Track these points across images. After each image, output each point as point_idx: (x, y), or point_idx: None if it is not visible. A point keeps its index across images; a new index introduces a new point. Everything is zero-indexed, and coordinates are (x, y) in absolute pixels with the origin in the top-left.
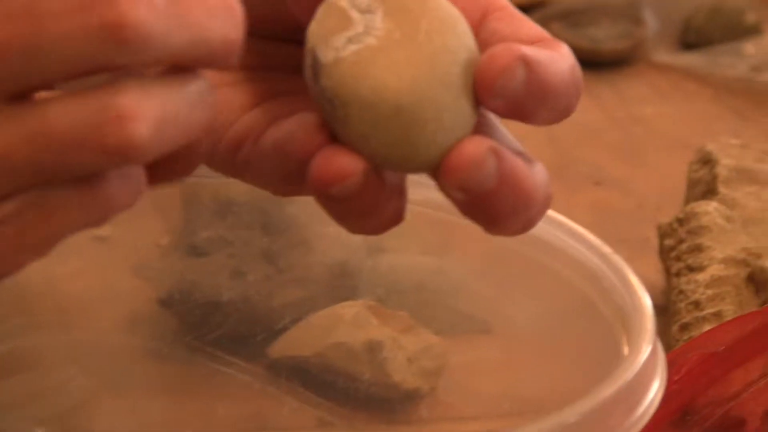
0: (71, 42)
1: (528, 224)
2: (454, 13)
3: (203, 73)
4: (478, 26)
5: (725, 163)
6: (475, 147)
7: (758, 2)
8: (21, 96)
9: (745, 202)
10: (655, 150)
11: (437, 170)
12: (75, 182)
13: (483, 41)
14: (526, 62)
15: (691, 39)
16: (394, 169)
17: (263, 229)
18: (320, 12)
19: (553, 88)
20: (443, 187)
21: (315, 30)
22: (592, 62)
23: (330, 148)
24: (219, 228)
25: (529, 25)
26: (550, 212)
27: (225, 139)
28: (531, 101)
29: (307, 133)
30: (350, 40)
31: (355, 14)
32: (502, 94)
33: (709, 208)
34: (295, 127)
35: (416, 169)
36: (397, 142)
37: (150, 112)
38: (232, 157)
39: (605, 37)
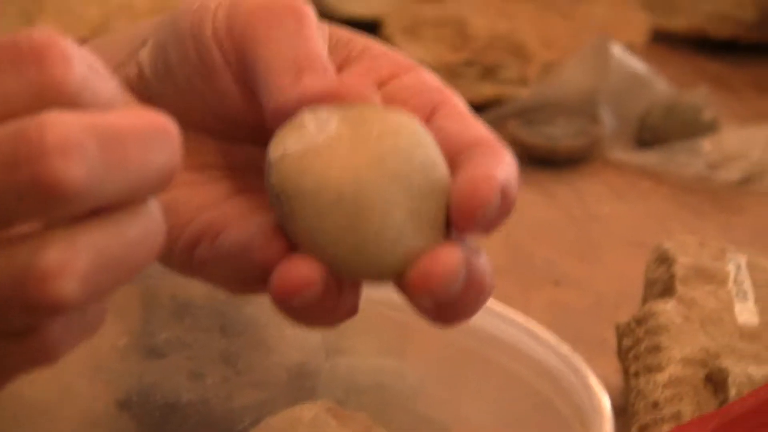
0: (1, 197)
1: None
2: (416, 127)
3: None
4: (427, 122)
5: (683, 261)
6: (450, 259)
7: (714, 100)
8: None
9: (703, 302)
10: (613, 248)
11: (402, 278)
12: (12, 335)
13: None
14: (503, 191)
15: (648, 137)
16: (352, 274)
17: (221, 330)
18: (285, 123)
19: (513, 202)
20: (409, 295)
21: (275, 137)
22: (548, 160)
23: (288, 260)
24: (177, 329)
25: (476, 126)
26: (509, 311)
27: (181, 238)
28: (497, 221)
29: (264, 237)
30: (300, 140)
31: (311, 122)
32: (480, 223)
33: (667, 307)
34: (253, 230)
35: (376, 275)
36: (344, 237)
37: (79, 263)
38: (189, 256)
39: (561, 135)
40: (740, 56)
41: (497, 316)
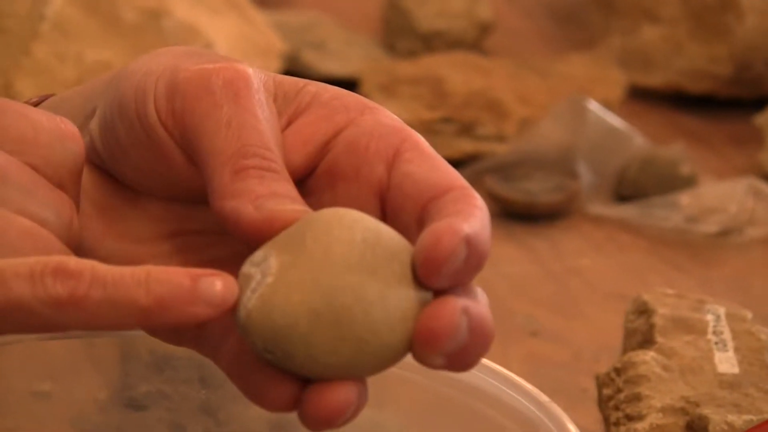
0: None
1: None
2: (342, 212)
3: None
4: (390, 166)
5: (662, 312)
6: (449, 311)
7: (691, 154)
8: None
9: (683, 351)
10: (591, 301)
11: (412, 347)
12: None
13: (396, 185)
14: (468, 242)
15: (626, 191)
16: (371, 370)
17: (201, 382)
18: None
19: (485, 254)
20: (421, 359)
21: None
22: (526, 215)
23: (318, 390)
24: (157, 382)
25: (443, 169)
26: (487, 361)
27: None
28: (469, 272)
29: (276, 386)
30: (253, 293)
31: (253, 269)
32: (447, 274)
33: (647, 357)
34: (262, 380)
35: (392, 357)
36: (342, 344)
37: None
38: (177, 336)
39: (539, 190)
40: (716, 111)
41: (476, 367)
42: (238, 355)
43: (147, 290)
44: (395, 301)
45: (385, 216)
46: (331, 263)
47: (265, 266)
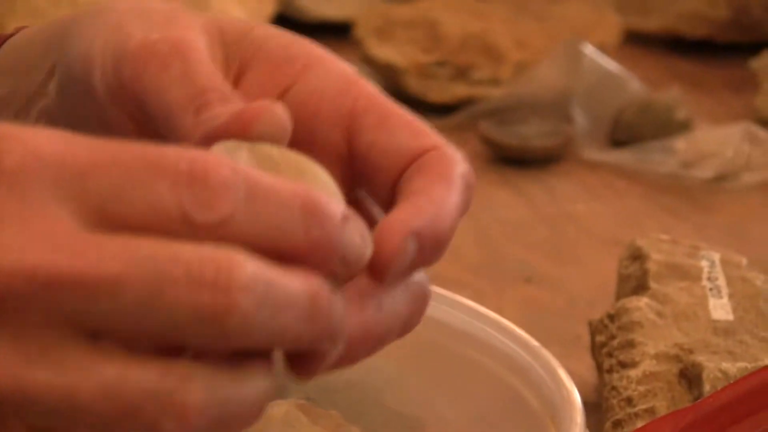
0: (177, 311)
1: None
2: (319, 174)
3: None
4: (347, 132)
5: (656, 258)
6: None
7: (688, 99)
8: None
9: (677, 298)
10: (586, 247)
11: None
12: None
13: (360, 156)
14: (418, 236)
15: (621, 136)
16: None
17: None
18: None
19: (441, 240)
20: None
21: None
22: (521, 160)
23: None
24: None
25: (406, 129)
26: (479, 307)
27: None
28: (424, 263)
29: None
30: None
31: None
32: (396, 273)
33: (640, 303)
34: None
35: None
36: None
37: (208, 411)
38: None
39: (534, 134)
40: (713, 55)
41: (467, 312)
42: None
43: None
44: None
45: (353, 182)
46: None
47: (234, 158)
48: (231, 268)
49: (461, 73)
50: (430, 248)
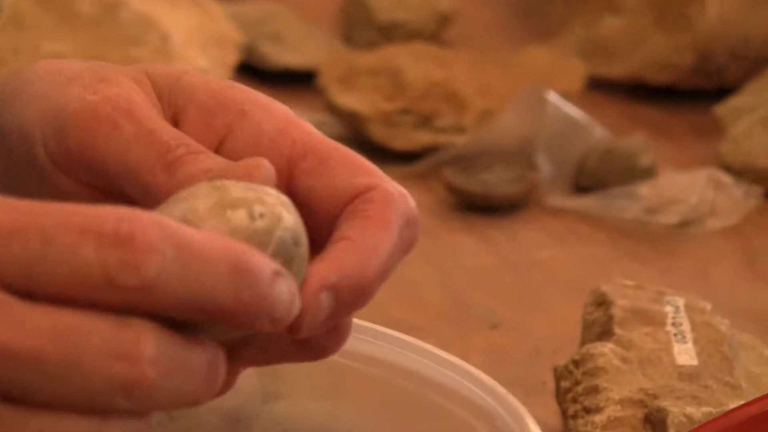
0: (94, 381)
1: None
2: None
3: None
4: (288, 178)
5: (620, 304)
6: None
7: (652, 145)
8: None
9: (641, 343)
10: (551, 293)
11: None
12: None
13: (302, 202)
14: (335, 290)
15: (585, 182)
16: None
17: None
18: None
19: (368, 285)
20: None
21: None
22: (485, 207)
23: None
24: None
25: (347, 170)
26: (445, 354)
27: None
28: (342, 315)
29: None
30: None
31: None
32: (311, 328)
33: (605, 349)
34: None
35: None
36: None
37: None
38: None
39: (498, 181)
40: (678, 102)
41: (433, 359)
42: None
43: None
44: None
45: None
46: None
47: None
48: (140, 341)
49: (425, 121)
50: (350, 297)
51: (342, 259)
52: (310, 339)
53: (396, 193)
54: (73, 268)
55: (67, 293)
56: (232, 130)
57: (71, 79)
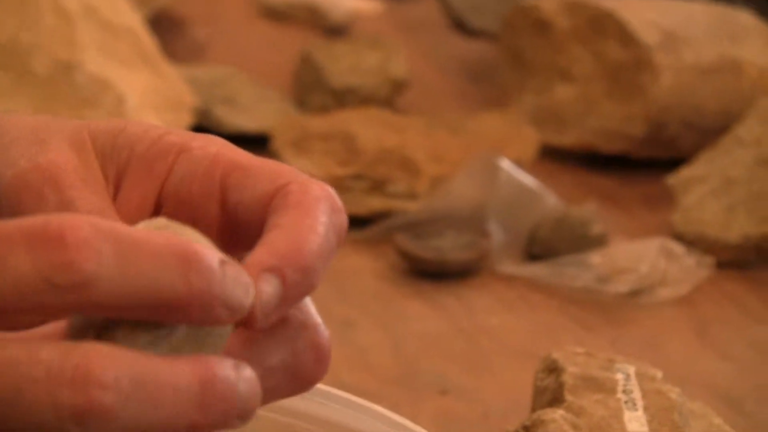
0: (39, 412)
1: None
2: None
3: None
4: (222, 203)
5: (571, 371)
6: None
7: (603, 214)
8: None
9: (592, 410)
10: (501, 360)
11: None
12: None
13: (234, 218)
14: (274, 269)
15: (537, 250)
16: None
17: None
18: None
19: (311, 261)
20: None
21: None
22: (437, 273)
23: None
24: None
25: (267, 177)
26: (396, 416)
27: None
28: (297, 290)
29: None
30: None
31: None
32: (266, 315)
33: (556, 416)
34: None
35: None
36: None
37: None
38: None
39: (450, 248)
40: (630, 171)
41: (385, 421)
42: None
43: None
44: None
45: (241, 247)
46: None
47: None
48: (88, 365)
49: (377, 186)
50: (294, 278)
51: (276, 243)
52: (297, 367)
53: (314, 183)
54: (8, 277)
55: (9, 305)
56: (170, 172)
57: (13, 140)
